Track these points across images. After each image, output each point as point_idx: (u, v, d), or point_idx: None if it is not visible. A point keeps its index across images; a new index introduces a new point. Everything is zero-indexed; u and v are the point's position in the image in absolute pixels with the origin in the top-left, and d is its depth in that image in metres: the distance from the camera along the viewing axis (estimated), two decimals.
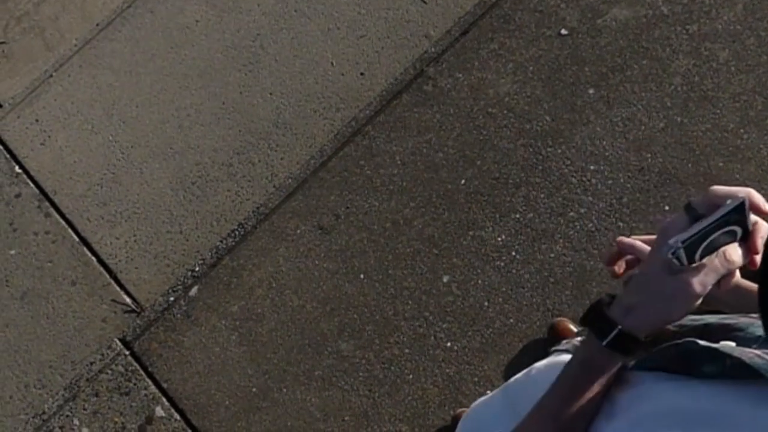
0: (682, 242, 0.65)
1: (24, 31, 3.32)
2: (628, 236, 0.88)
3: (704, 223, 0.65)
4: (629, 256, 0.87)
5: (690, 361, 0.66)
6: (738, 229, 0.67)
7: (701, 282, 0.66)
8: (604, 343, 0.71)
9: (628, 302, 0.71)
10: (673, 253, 0.66)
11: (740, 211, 0.66)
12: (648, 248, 0.83)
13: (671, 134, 2.34)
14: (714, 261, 0.67)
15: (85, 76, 3.01)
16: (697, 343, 0.66)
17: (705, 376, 0.64)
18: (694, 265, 0.66)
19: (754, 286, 0.76)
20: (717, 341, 0.67)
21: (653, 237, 0.83)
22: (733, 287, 0.72)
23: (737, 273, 0.72)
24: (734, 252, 0.67)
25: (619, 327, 0.70)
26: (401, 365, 2.26)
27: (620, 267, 0.88)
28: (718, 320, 0.77)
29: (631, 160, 2.33)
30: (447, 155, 2.45)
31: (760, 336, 0.68)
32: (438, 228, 2.37)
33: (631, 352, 0.71)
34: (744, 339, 0.70)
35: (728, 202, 0.66)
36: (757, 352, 0.61)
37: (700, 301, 0.68)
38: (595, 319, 0.74)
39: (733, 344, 0.67)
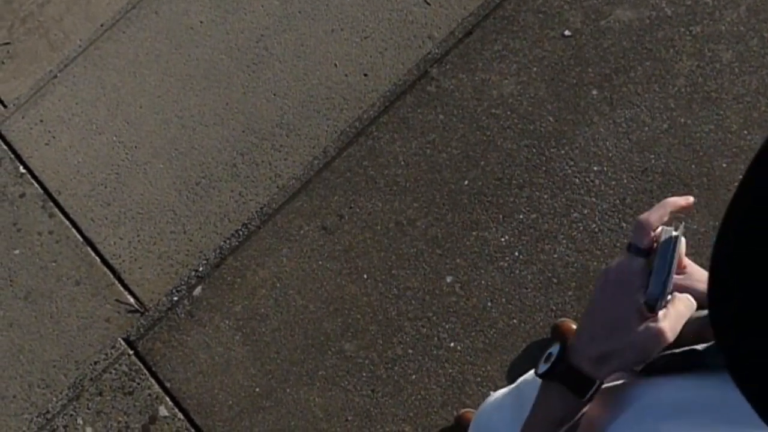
0: (659, 291, 0.68)
1: (28, 32, 3.33)
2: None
3: (665, 264, 0.69)
4: None
5: (692, 360, 0.67)
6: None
7: (672, 328, 0.68)
8: (585, 398, 0.71)
9: (600, 351, 0.71)
10: (647, 303, 0.69)
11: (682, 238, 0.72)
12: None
13: (674, 135, 2.34)
14: (679, 306, 0.70)
15: (89, 77, 3.02)
16: (697, 350, 0.66)
17: (710, 367, 0.65)
18: (662, 312, 0.69)
19: None
20: None
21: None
22: None
23: None
24: (690, 298, 0.72)
25: (599, 382, 0.71)
26: (404, 365, 2.26)
27: None
28: None
29: (634, 161, 2.34)
30: (450, 156, 2.46)
31: None
32: (441, 228, 2.37)
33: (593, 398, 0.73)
34: None
35: (663, 230, 0.72)
36: None
37: None
38: (570, 376, 0.72)
39: None
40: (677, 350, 0.68)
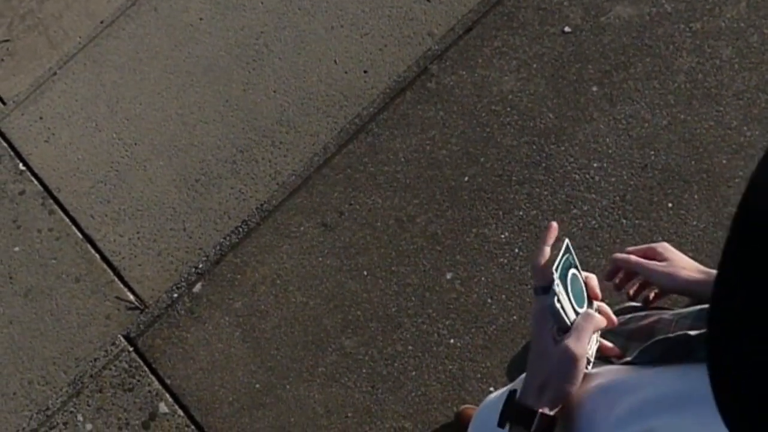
0: (556, 300, 0.77)
1: (28, 29, 3.33)
2: (628, 246, 0.96)
3: (555, 274, 0.79)
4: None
5: (685, 348, 0.67)
6: (578, 273, 0.83)
7: (576, 342, 0.76)
8: (532, 429, 0.77)
9: (536, 383, 0.78)
10: (559, 328, 0.78)
11: (568, 250, 0.83)
12: (644, 261, 0.93)
13: (674, 131, 2.34)
14: (580, 321, 0.78)
15: (89, 74, 3.02)
16: (689, 334, 0.66)
17: (701, 360, 0.65)
18: (569, 333, 0.78)
19: None
20: None
21: (647, 247, 0.96)
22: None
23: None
24: (591, 312, 0.80)
25: (540, 411, 0.76)
26: (404, 362, 2.26)
27: (620, 280, 1.00)
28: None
29: (634, 157, 2.34)
30: (450, 152, 2.45)
31: None
32: (441, 225, 2.37)
33: (552, 428, 0.77)
34: None
35: (556, 256, 0.82)
36: None
37: (586, 363, 0.78)
38: (515, 413, 0.80)
39: None
40: (671, 335, 0.69)
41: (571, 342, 0.76)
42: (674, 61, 2.42)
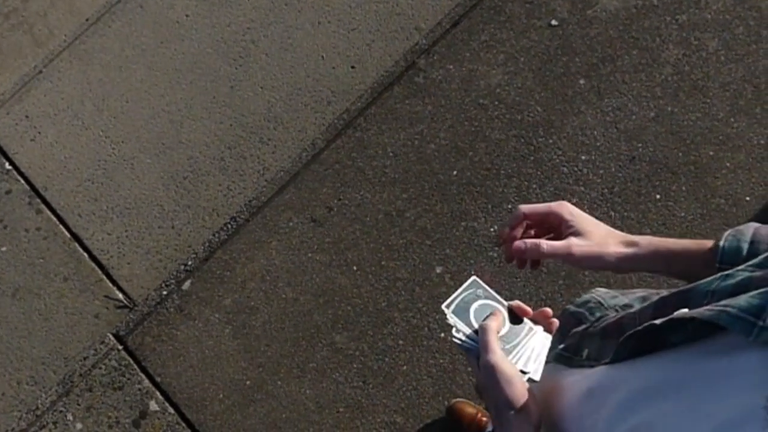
0: (455, 331, 0.83)
1: (12, 27, 3.30)
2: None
3: (447, 310, 0.85)
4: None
5: (655, 337, 0.67)
6: (498, 305, 0.87)
7: (486, 353, 0.78)
8: None
9: (493, 412, 0.79)
10: (460, 347, 0.83)
11: (474, 286, 0.88)
12: (564, 247, 0.90)
13: (662, 124, 2.35)
14: (479, 337, 0.81)
15: (74, 72, 3.00)
16: (655, 324, 0.66)
17: (674, 344, 0.65)
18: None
19: (676, 242, 0.86)
20: (673, 311, 0.68)
21: (548, 210, 0.93)
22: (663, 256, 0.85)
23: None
24: (482, 323, 0.83)
25: None
26: (395, 356, 2.26)
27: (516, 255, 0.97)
28: (669, 292, 0.78)
29: (622, 149, 2.34)
30: (439, 147, 2.45)
31: (708, 290, 0.68)
32: (430, 219, 2.37)
33: None
34: (695, 299, 0.70)
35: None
36: (709, 306, 0.61)
37: (516, 371, 0.79)
38: None
39: (686, 310, 0.67)
40: (639, 328, 0.68)
41: (483, 357, 0.78)
42: (661, 54, 2.43)
